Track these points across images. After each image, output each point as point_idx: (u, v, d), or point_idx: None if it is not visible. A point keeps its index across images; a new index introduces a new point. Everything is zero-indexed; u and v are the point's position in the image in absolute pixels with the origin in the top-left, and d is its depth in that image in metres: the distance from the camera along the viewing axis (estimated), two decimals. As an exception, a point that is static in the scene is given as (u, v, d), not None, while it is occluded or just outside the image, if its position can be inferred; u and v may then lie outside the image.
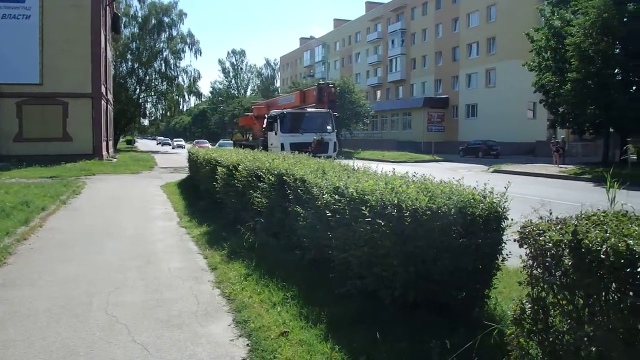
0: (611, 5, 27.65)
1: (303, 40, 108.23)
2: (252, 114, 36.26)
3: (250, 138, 37.15)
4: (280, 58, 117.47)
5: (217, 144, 50.43)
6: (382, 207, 4.77)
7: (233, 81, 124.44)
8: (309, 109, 27.14)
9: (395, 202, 4.69)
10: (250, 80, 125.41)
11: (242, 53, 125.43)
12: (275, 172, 7.79)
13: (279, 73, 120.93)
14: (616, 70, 29.66)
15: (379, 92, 77.33)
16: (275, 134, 24.42)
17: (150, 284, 6.90)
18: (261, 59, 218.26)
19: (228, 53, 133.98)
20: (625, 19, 28.22)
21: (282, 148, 21.70)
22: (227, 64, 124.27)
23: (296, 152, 11.70)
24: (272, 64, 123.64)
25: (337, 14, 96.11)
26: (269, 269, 6.81)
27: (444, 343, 4.02)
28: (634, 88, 29.99)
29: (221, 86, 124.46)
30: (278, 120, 24.38)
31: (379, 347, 4.32)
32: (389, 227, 4.64)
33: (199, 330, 5.30)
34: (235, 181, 9.63)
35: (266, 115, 28.79)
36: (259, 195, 8.23)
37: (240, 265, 7.35)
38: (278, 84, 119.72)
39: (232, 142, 42.77)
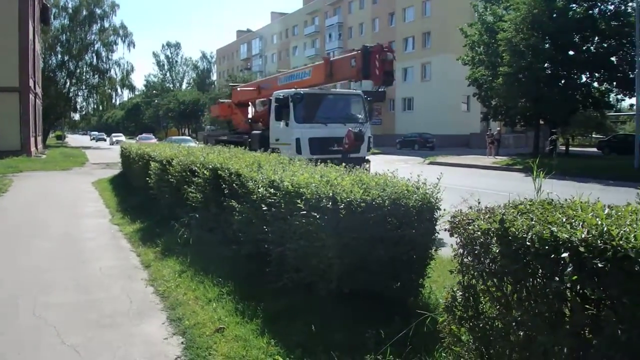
0: (541, 2, 28.73)
1: (240, 32, 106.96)
2: (228, 101, 25.80)
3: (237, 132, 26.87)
4: (217, 51, 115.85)
5: (138, 138, 46.90)
6: (317, 200, 4.76)
7: (168, 74, 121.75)
8: (334, 90, 20.16)
9: (330, 194, 4.70)
10: (186, 74, 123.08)
11: (178, 46, 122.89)
12: (210, 166, 7.65)
13: (215, 66, 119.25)
14: (546, 65, 30.85)
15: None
16: (286, 124, 15.12)
17: (80, 284, 6.66)
18: (197, 52, 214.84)
19: (163, 45, 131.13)
20: (554, 15, 29.39)
21: (298, 146, 14.32)
22: (162, 57, 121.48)
23: (313, 158, 9.37)
24: (208, 56, 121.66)
25: (274, 7, 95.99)
26: (204, 265, 6.69)
27: (379, 332, 4.05)
28: (562, 82, 31.27)
29: (155, 79, 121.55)
30: (291, 105, 14.96)
31: (316, 339, 4.33)
32: (324, 220, 4.64)
33: (132, 329, 5.16)
34: (169, 176, 9.43)
35: (256, 101, 21.67)
36: (193, 191, 8.08)
37: (175, 262, 7.21)
38: (214, 77, 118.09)
39: (157, 137, 38.69)
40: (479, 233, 3.06)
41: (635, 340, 2.29)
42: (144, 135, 62.17)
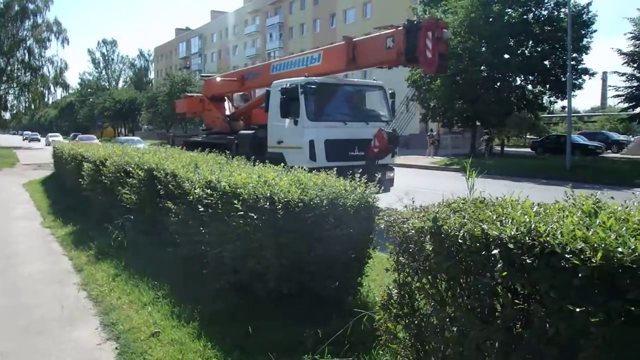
0: (478, 6, 29.55)
1: (179, 31, 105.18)
2: (199, 95, 21.35)
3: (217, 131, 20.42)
4: (155, 49, 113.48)
5: (77, 138, 42.33)
6: (255, 201, 4.71)
7: (104, 72, 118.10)
8: (352, 80, 16.45)
9: (268, 195, 4.66)
10: (122, 72, 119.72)
11: (114, 43, 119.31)
12: (145, 167, 7.46)
13: (153, 64, 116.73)
14: (482, 68, 31.74)
15: (258, 85, 77.00)
16: (294, 123, 11.79)
17: (9, 290, 6.39)
18: (134, 50, 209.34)
19: (98, 43, 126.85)
20: (490, 19, 30.28)
21: (311, 150, 11.33)
22: (98, 55, 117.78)
23: (330, 166, 7.39)
24: (145, 54, 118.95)
25: (214, 5, 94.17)
26: (139, 268, 6.53)
27: (317, 332, 4.05)
28: (498, 84, 32.27)
29: (91, 77, 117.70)
30: (301, 97, 11.66)
31: (254, 341, 4.31)
32: (261, 220, 4.59)
33: (64, 336, 4.99)
34: (103, 177, 9.14)
35: (234, 96, 18.75)
36: (128, 192, 7.86)
37: (109, 265, 7.02)
38: (152, 76, 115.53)
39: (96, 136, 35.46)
40: (413, 231, 3.10)
41: (562, 333, 2.35)
42: (83, 135, 53.56)
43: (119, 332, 4.94)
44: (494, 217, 2.82)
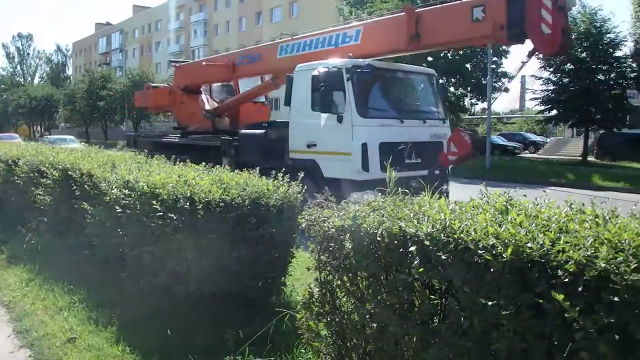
0: (400, 7, 30.05)
1: (99, 25, 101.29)
2: (167, 85, 17.81)
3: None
4: (73, 44, 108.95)
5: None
6: (175, 201, 4.59)
7: (18, 68, 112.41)
8: (404, 65, 12.22)
9: (188, 194, 4.56)
10: (39, 67, 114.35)
11: (30, 37, 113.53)
12: (60, 166, 7.13)
13: (71, 60, 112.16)
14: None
15: (182, 83, 75.54)
16: (338, 119, 8.95)
17: None
18: (51, 45, 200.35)
19: (13, 37, 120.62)
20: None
21: (364, 157, 8.67)
22: (12, 49, 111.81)
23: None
24: (63, 50, 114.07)
25: (136, 0, 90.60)
26: (54, 272, 6.28)
27: (238, 333, 4.01)
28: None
29: (5, 73, 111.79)
30: (348, 84, 9.03)
31: (174, 344, 4.24)
32: (181, 221, 4.49)
33: (-27, 345, 4.71)
34: (15, 177, 8.68)
35: (213, 87, 16.08)
36: (42, 193, 7.50)
37: (22, 269, 6.72)
38: (70, 72, 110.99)
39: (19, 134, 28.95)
40: (334, 230, 3.12)
41: (476, 326, 2.43)
42: (4, 134, 45.17)
43: (33, 338, 4.74)
44: (412, 215, 2.88)
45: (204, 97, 15.79)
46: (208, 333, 4.34)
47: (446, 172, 9.86)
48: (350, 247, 3.01)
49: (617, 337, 2.00)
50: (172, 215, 4.52)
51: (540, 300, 2.18)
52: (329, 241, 3.21)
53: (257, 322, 4.25)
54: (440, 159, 9.32)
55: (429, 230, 2.65)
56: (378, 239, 2.83)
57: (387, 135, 8.98)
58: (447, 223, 2.64)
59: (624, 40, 27.27)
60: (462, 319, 2.51)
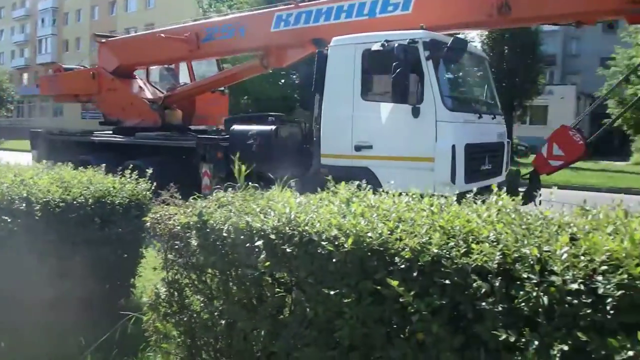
0: (262, 3, 29.88)
1: None
2: (89, 67, 14.71)
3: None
4: None
5: None
6: (9, 202, 4.22)
7: None
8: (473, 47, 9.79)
9: (25, 195, 4.21)
10: None
11: None
12: None
13: None
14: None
15: (26, 75, 69.84)
16: (414, 113, 6.47)
17: None
18: None
19: None
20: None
21: (453, 164, 6.38)
22: None
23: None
24: None
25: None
26: None
27: (80, 340, 3.80)
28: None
29: None
30: (426, 65, 6.56)
31: (10, 356, 3.95)
32: (17, 224, 4.13)
33: None
34: None
35: (151, 69, 13.05)
36: None
37: None
38: None
39: None
40: (179, 227, 3.05)
41: (320, 315, 2.49)
42: None
43: None
44: (258, 210, 2.89)
45: (140, 82, 12.30)
46: (49, 342, 4.04)
47: (537, 176, 8.05)
48: (196, 244, 2.96)
49: (449, 317, 2.15)
50: (7, 217, 4.15)
51: (379, 287, 2.28)
52: (174, 239, 3.13)
53: (103, 327, 4.04)
54: (537, 164, 7.92)
55: (275, 224, 2.67)
56: (224, 234, 2.81)
57: (470, 134, 6.94)
58: (293, 216, 2.67)
59: None
60: (308, 309, 2.56)
